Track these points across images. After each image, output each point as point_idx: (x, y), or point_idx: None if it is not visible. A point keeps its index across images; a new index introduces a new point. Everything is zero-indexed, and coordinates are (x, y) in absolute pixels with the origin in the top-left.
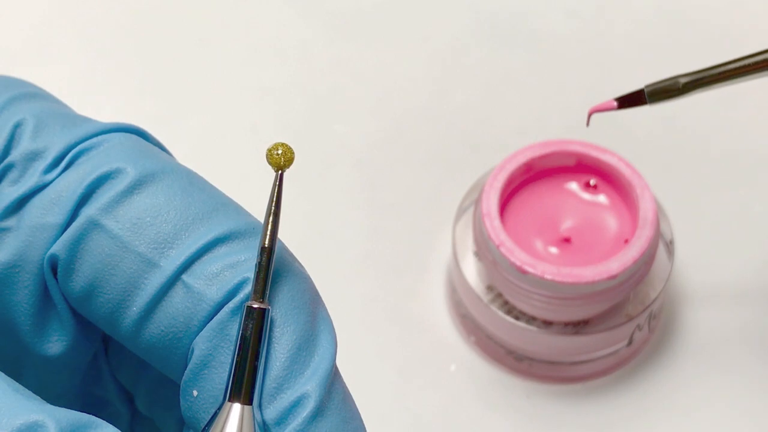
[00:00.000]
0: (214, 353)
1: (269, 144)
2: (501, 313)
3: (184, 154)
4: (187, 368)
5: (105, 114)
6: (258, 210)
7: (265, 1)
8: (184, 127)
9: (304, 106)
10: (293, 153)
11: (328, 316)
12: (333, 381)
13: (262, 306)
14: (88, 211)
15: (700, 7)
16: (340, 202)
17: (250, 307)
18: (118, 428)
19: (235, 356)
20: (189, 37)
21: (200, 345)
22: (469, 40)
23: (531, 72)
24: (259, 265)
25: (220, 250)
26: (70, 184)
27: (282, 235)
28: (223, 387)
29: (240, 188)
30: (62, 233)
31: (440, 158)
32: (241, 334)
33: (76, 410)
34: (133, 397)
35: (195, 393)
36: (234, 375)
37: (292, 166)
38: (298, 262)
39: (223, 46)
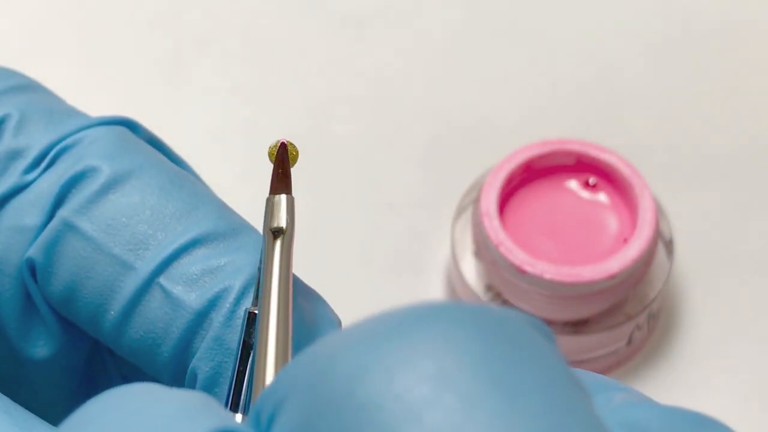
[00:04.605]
0: (220, 370)
1: (270, 142)
2: None
3: (181, 153)
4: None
5: (102, 113)
6: (256, 210)
7: (267, 1)
8: (182, 127)
9: (301, 105)
10: (297, 150)
11: (326, 306)
12: None
13: None
14: (63, 213)
15: (700, 6)
16: (338, 202)
17: (252, 314)
18: None
19: (237, 365)
20: (187, 35)
21: (203, 368)
22: (467, 39)
23: (530, 70)
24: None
25: (199, 253)
26: (49, 184)
27: None
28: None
29: (238, 188)
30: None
31: (439, 157)
32: (244, 341)
33: (81, 402)
34: None
35: None
36: (235, 385)
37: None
38: None
39: (221, 45)
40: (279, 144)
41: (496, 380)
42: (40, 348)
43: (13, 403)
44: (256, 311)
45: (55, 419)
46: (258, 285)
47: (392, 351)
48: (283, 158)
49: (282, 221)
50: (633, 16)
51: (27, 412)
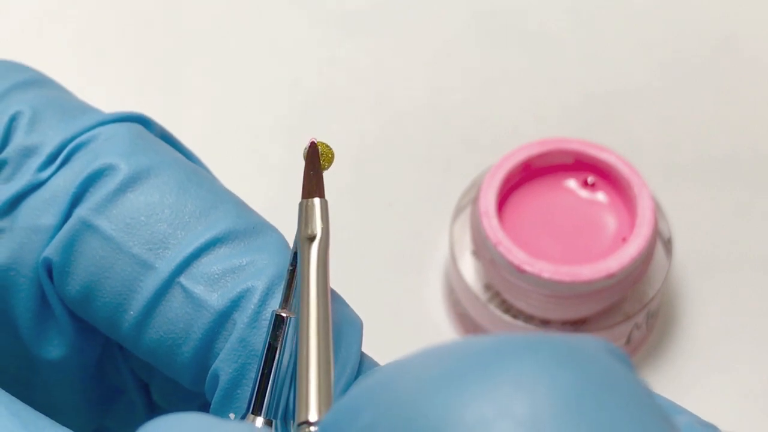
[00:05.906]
0: (243, 371)
1: (265, 143)
2: (499, 312)
3: None
4: (217, 393)
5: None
6: (257, 211)
7: (264, 1)
8: (182, 127)
9: (301, 105)
10: (333, 153)
11: (349, 308)
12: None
13: (291, 314)
14: (80, 212)
15: (697, 6)
16: (337, 202)
17: (280, 316)
18: (133, 418)
19: (262, 368)
20: (187, 35)
21: (226, 369)
22: (466, 39)
23: (528, 70)
24: (291, 272)
25: (219, 252)
26: (65, 183)
27: None
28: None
29: (237, 188)
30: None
31: (438, 157)
32: (269, 343)
33: (94, 399)
34: (149, 387)
35: (232, 416)
36: (259, 387)
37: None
38: None
39: (220, 45)
40: (309, 144)
41: (591, 429)
42: (54, 349)
43: (23, 404)
44: (284, 314)
45: (67, 417)
46: (285, 287)
47: (483, 397)
48: (314, 159)
49: (317, 228)
50: (632, 18)
51: (37, 413)
